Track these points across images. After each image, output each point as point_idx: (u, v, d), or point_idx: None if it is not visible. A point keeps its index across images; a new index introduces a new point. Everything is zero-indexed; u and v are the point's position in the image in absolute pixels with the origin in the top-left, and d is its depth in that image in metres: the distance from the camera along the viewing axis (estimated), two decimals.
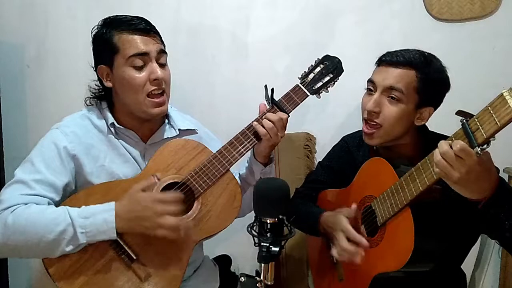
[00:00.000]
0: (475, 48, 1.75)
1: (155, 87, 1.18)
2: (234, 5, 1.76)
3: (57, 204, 1.13)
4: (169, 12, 1.74)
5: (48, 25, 1.73)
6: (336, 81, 1.27)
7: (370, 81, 1.24)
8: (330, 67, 1.26)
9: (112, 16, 1.23)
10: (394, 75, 1.17)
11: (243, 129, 1.21)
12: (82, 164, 1.17)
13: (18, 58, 1.74)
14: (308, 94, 1.24)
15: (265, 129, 1.17)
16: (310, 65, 1.27)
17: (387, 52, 1.23)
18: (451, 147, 0.89)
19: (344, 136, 1.47)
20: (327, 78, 1.25)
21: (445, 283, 1.21)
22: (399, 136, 1.21)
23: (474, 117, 0.87)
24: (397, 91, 1.16)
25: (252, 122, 1.21)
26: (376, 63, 1.25)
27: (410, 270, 1.07)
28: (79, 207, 1.10)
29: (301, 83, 1.24)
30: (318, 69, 1.26)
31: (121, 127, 1.23)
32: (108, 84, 1.21)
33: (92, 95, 1.28)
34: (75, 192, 1.18)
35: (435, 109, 1.22)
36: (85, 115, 1.24)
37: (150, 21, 1.24)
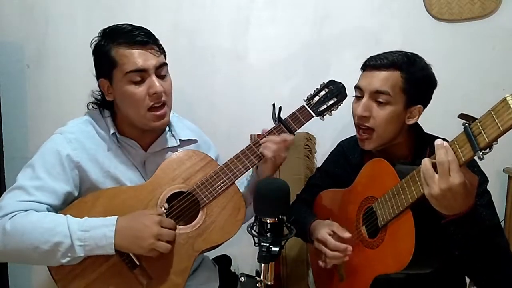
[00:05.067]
0: (475, 48, 1.75)
1: (155, 101, 1.17)
2: (234, 5, 1.76)
3: (58, 209, 1.12)
4: (169, 13, 1.74)
5: (48, 25, 1.73)
6: (340, 105, 1.30)
7: (356, 87, 1.25)
8: (335, 91, 1.29)
9: (112, 26, 1.20)
10: (379, 79, 1.18)
11: (250, 144, 1.23)
12: (87, 171, 1.17)
13: (18, 58, 1.74)
14: (314, 115, 1.27)
15: (271, 151, 1.20)
16: (315, 88, 1.30)
17: (371, 56, 1.24)
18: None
19: (341, 141, 1.49)
20: (331, 102, 1.29)
21: (445, 284, 1.21)
22: (393, 138, 1.22)
23: (477, 121, 0.86)
24: (384, 94, 1.17)
25: (258, 138, 1.23)
26: (361, 68, 1.26)
27: (410, 272, 1.07)
28: (86, 210, 1.11)
29: (307, 104, 1.27)
30: (323, 92, 1.29)
31: (123, 137, 1.23)
32: (110, 97, 1.20)
33: (94, 102, 1.26)
34: (77, 198, 1.17)
35: (424, 107, 1.23)
36: (89, 120, 1.23)
37: (149, 30, 1.21)
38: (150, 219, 1.08)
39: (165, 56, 1.23)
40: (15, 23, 1.73)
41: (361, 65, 1.25)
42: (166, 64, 1.21)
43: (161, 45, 1.22)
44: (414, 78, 1.17)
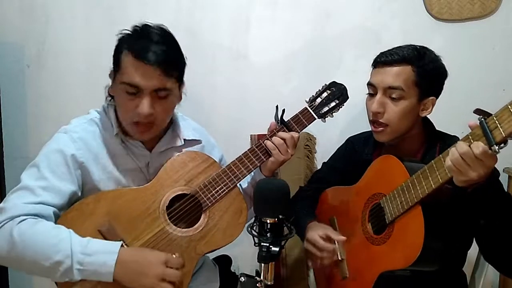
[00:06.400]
0: (475, 48, 1.75)
1: (140, 119, 1.12)
2: (234, 5, 1.76)
3: (63, 209, 1.12)
4: (169, 12, 1.74)
5: (48, 25, 1.73)
6: (341, 107, 1.30)
7: (369, 84, 1.26)
8: (336, 93, 1.29)
9: (143, 26, 1.14)
10: (391, 75, 1.19)
11: (253, 147, 1.23)
12: (90, 172, 1.16)
13: (18, 58, 1.74)
14: (316, 117, 1.27)
15: (275, 145, 1.20)
16: (317, 90, 1.30)
17: (381, 52, 1.25)
18: (470, 148, 0.89)
19: (349, 137, 1.49)
20: (333, 104, 1.29)
21: (447, 283, 1.21)
22: (407, 131, 1.23)
23: (493, 115, 0.87)
24: (397, 89, 1.18)
25: (261, 140, 1.23)
26: (372, 65, 1.27)
27: (416, 269, 1.07)
28: (88, 212, 1.10)
29: (309, 106, 1.27)
30: (325, 94, 1.29)
31: (127, 137, 1.21)
32: (111, 92, 1.19)
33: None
34: (80, 198, 1.16)
35: (437, 98, 1.24)
36: (93, 120, 1.22)
37: (174, 48, 1.14)
38: (156, 257, 1.07)
39: (178, 77, 1.17)
40: (15, 23, 1.72)
41: (372, 62, 1.26)
42: (169, 89, 1.13)
43: (177, 66, 1.14)
44: (425, 70, 1.19)
